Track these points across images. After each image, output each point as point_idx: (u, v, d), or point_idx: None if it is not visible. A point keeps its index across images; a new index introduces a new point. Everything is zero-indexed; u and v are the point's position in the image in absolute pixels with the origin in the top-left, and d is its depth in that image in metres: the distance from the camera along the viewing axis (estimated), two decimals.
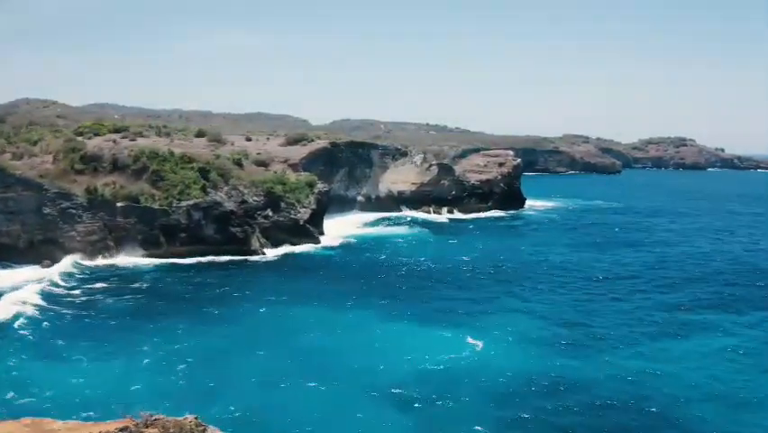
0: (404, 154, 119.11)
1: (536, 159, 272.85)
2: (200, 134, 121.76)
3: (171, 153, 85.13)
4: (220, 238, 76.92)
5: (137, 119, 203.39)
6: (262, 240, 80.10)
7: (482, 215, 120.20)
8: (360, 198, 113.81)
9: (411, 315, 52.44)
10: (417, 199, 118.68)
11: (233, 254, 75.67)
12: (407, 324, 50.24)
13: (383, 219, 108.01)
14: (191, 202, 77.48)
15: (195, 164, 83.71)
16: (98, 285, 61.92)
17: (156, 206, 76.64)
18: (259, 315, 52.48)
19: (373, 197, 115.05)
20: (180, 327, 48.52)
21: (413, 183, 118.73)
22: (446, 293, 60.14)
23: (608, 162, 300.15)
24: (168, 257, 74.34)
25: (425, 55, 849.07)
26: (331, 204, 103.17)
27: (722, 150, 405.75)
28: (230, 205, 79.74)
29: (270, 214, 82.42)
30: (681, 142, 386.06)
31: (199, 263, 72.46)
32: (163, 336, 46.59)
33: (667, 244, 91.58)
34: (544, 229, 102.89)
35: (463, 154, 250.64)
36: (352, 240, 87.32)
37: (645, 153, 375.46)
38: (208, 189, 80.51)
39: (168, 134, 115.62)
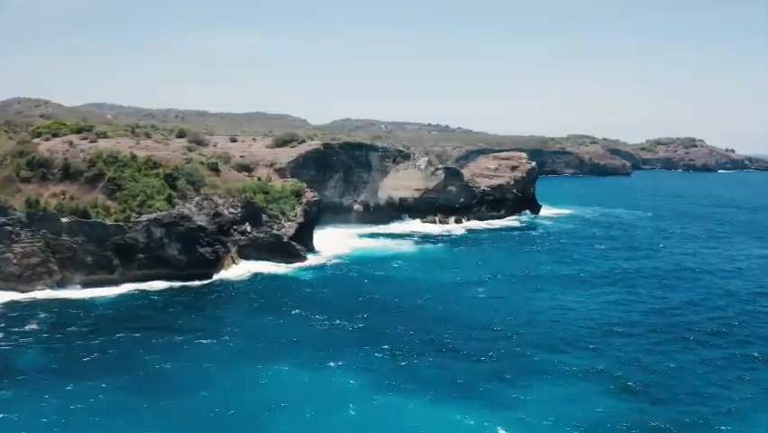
0: (406, 157, 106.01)
1: (544, 160, 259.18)
2: (181, 135, 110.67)
3: (133, 157, 72.43)
4: (186, 260, 63.95)
5: (130, 118, 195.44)
6: (238, 261, 67.21)
7: (495, 223, 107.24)
8: (356, 206, 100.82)
9: (414, 384, 38.90)
10: (421, 207, 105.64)
11: (201, 278, 62.92)
12: (409, 399, 36.76)
13: (383, 232, 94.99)
14: (152, 216, 64.58)
15: (161, 170, 71.04)
16: (27, 327, 49.30)
17: (110, 221, 63.76)
18: (209, 377, 39.41)
19: (372, 205, 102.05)
20: (103, 404, 35.66)
21: (416, 189, 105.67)
22: (462, 349, 45.31)
23: (617, 164, 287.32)
24: (122, 283, 61.55)
25: (426, 54, 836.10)
26: (324, 213, 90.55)
27: (732, 150, 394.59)
28: (200, 219, 66.77)
29: (249, 229, 69.54)
30: (691, 143, 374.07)
31: (158, 291, 59.54)
32: (77, 419, 33.78)
33: (725, 264, 78.15)
34: (569, 246, 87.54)
35: (467, 155, 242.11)
36: (346, 259, 73.96)
37: (654, 154, 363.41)
38: (175, 200, 67.69)
39: (147, 135, 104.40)
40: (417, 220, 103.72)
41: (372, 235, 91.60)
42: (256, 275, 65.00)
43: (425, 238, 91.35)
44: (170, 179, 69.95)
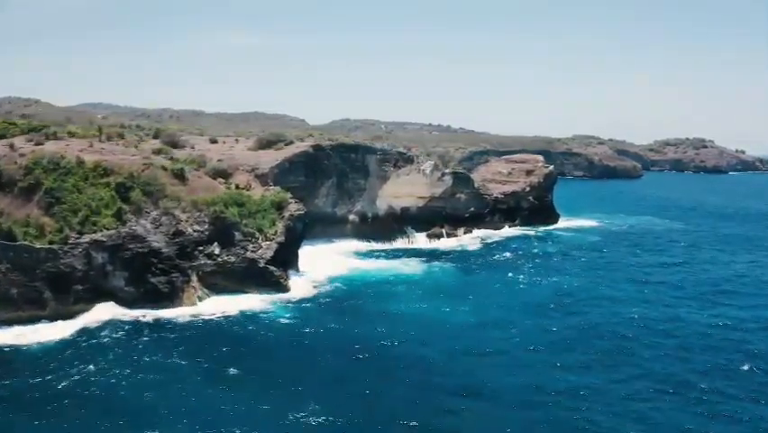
0: (409, 160, 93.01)
1: (551, 162, 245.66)
2: (157, 136, 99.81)
3: (80, 163, 59.69)
4: (135, 292, 51.21)
5: (123, 118, 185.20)
6: (202, 292, 54.23)
7: (509, 236, 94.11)
8: (352, 216, 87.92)
9: None
10: (426, 218, 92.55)
11: (151, 314, 50.14)
12: None
13: (382, 248, 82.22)
14: (94, 237, 51.79)
15: (112, 178, 58.32)
16: None
17: (42, 243, 50.95)
18: None
19: (369, 215, 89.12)
20: None
21: (420, 197, 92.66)
22: None
23: (628, 165, 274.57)
24: (55, 321, 48.77)
25: (426, 54, 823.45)
26: (314, 226, 77.93)
27: (743, 151, 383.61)
28: (156, 239, 54.01)
29: (217, 251, 56.53)
30: (701, 144, 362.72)
31: (93, 334, 46.37)
32: None
33: None
34: (608, 271, 71.66)
35: (471, 157, 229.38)
36: (338, 287, 60.56)
37: (663, 156, 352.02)
38: (126, 216, 54.97)
39: (121, 136, 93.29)
40: (422, 233, 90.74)
41: (370, 253, 78.72)
42: (219, 314, 50.85)
43: (432, 255, 78.41)
44: (123, 190, 57.31)
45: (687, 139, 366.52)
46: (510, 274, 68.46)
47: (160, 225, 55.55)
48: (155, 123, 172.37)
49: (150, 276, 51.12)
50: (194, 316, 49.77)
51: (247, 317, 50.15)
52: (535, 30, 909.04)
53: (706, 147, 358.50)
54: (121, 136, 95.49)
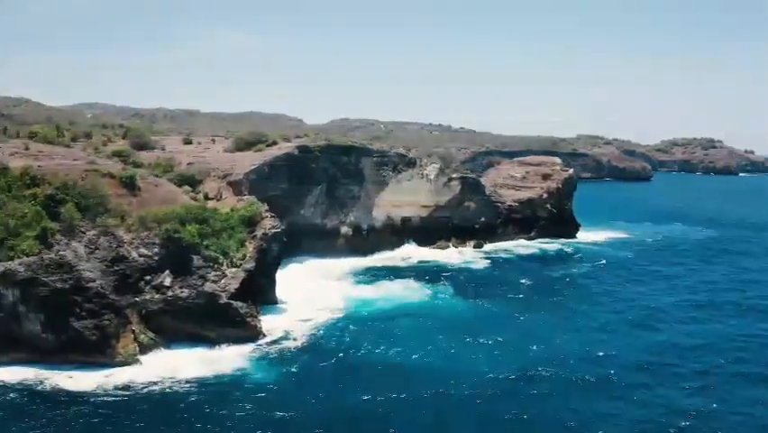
0: (410, 164, 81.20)
1: None
2: (126, 136, 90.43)
3: (2, 170, 47.84)
4: (53, 340, 39.16)
5: (115, 118, 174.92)
6: (145, 337, 42.14)
7: (526, 251, 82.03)
8: (344, 229, 76.19)
9: None
10: (431, 229, 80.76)
11: (77, 364, 38.28)
12: None
13: (380, 265, 70.47)
14: (9, 266, 39.86)
15: (41, 189, 46.44)
16: None
17: None
18: None
19: (365, 227, 77.39)
20: None
21: (424, 206, 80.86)
22: None
23: (638, 167, 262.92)
24: None
25: (426, 53, 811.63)
26: (301, 240, 67.04)
27: (752, 152, 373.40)
28: (88, 267, 41.96)
29: (167, 282, 44.42)
30: (710, 144, 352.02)
31: None
32: None
33: None
34: (658, 310, 55.80)
35: (474, 158, 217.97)
36: (324, 325, 48.05)
37: (671, 156, 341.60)
38: (55, 237, 42.98)
39: (89, 136, 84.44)
40: (425, 247, 78.95)
41: (365, 273, 66.70)
42: (159, 381, 37.28)
43: (438, 275, 66.19)
44: (53, 204, 45.44)
45: (695, 139, 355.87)
46: (532, 309, 54.74)
47: (97, 248, 43.63)
48: (147, 122, 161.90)
49: (73, 319, 39.04)
50: (123, 387, 36.29)
51: (198, 387, 36.66)
52: (536, 29, 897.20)
53: (715, 147, 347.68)
54: (88, 136, 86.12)
